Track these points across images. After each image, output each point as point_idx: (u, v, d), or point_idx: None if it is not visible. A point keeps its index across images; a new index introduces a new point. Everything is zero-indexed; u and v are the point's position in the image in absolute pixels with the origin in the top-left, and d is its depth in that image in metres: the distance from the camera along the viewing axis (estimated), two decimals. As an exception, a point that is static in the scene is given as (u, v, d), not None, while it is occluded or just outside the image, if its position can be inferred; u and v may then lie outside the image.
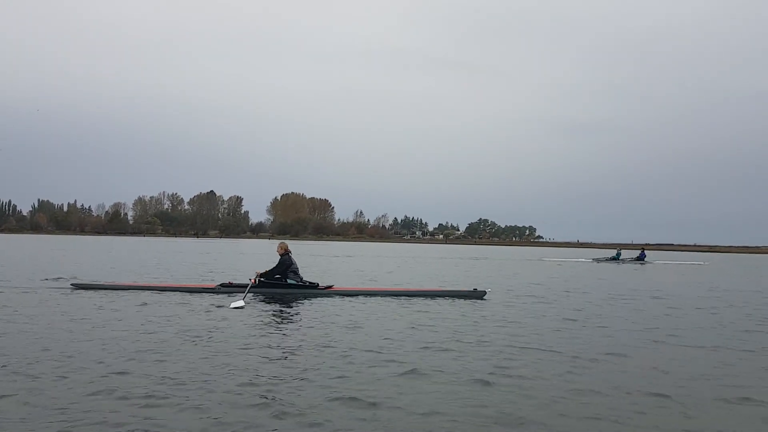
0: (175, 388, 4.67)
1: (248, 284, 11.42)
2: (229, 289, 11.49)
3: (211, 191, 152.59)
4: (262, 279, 11.38)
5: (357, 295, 11.58)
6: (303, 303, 10.40)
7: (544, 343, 6.93)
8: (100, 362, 5.46)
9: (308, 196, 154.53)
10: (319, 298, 11.04)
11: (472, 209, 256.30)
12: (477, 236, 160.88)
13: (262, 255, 34.10)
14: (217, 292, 11.40)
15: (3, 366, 5.23)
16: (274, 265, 11.71)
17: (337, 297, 11.26)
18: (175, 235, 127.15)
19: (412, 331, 7.62)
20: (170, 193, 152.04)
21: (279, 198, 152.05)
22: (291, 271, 11.64)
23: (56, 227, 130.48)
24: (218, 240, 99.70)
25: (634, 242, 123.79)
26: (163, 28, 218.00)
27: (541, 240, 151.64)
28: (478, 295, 11.66)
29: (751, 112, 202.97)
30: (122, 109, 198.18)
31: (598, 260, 35.31)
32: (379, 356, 5.99)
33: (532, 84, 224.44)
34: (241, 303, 9.57)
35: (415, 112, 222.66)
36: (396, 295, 11.63)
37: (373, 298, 11.20)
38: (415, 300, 11.10)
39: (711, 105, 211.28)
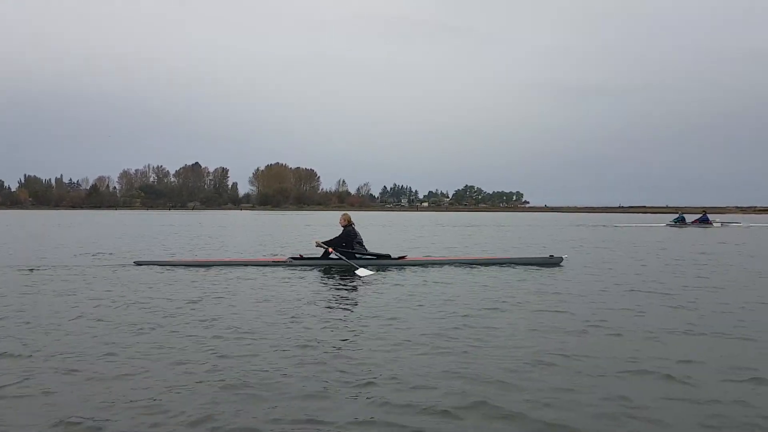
0: (268, 361, 4.58)
1: (319, 256, 11.11)
2: (301, 261, 11.12)
3: (196, 163, 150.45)
4: (323, 248, 11.15)
5: (431, 265, 11.25)
6: (381, 274, 10.08)
7: (637, 317, 6.63)
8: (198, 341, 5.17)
9: (295, 166, 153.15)
10: (395, 269, 10.71)
11: (461, 176, 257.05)
12: (463, 203, 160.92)
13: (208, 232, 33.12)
14: (288, 266, 11.00)
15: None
16: (336, 235, 11.41)
17: (412, 267, 10.94)
18: (149, 208, 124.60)
19: (505, 302, 7.33)
20: (155, 166, 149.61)
21: (262, 169, 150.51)
22: (356, 242, 11.29)
23: (37, 202, 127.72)
24: (189, 213, 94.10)
25: (622, 205, 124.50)
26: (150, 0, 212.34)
27: (528, 205, 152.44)
28: (554, 261, 11.43)
29: (746, 71, 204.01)
30: (108, 81, 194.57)
31: (670, 225, 33.54)
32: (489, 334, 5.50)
33: (523, 48, 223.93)
34: (366, 271, 9.86)
35: (404, 79, 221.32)
36: (470, 264, 11.32)
37: (448, 268, 10.88)
38: (491, 268, 10.83)
39: (706, 65, 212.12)
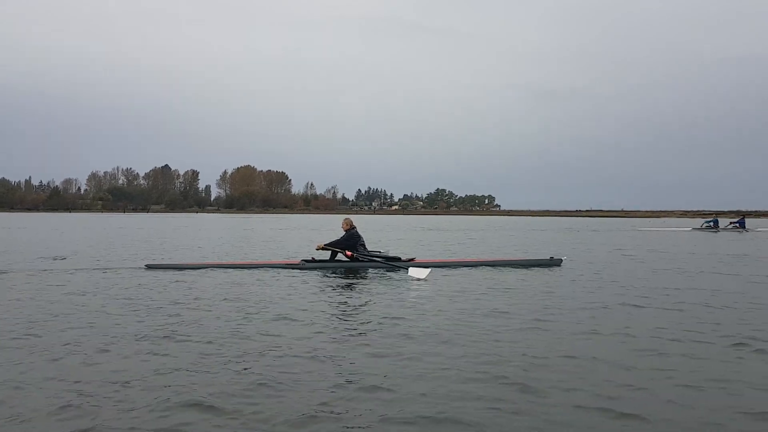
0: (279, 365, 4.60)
1: (328, 259, 11.38)
2: (313, 264, 11.38)
3: (166, 165, 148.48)
4: (324, 250, 11.48)
5: (440, 267, 11.60)
6: (392, 276, 10.41)
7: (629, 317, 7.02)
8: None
9: (266, 169, 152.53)
10: (405, 271, 11.03)
11: (436, 179, 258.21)
12: (434, 207, 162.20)
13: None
14: (301, 268, 11.24)
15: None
16: (339, 238, 11.74)
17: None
18: (108, 210, 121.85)
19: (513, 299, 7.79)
20: (125, 168, 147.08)
21: (230, 172, 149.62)
22: (360, 245, 11.63)
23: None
24: (144, 216, 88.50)
25: (604, 209, 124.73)
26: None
27: (499, 209, 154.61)
28: (555, 263, 11.97)
29: (723, 76, 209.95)
30: (105, 80, 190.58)
31: (699, 228, 33.85)
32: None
33: (502, 50, 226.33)
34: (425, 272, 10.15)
35: (382, 79, 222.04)
36: (476, 265, 11.77)
37: (457, 269, 11.28)
38: (496, 269, 11.30)
39: (684, 70, 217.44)
